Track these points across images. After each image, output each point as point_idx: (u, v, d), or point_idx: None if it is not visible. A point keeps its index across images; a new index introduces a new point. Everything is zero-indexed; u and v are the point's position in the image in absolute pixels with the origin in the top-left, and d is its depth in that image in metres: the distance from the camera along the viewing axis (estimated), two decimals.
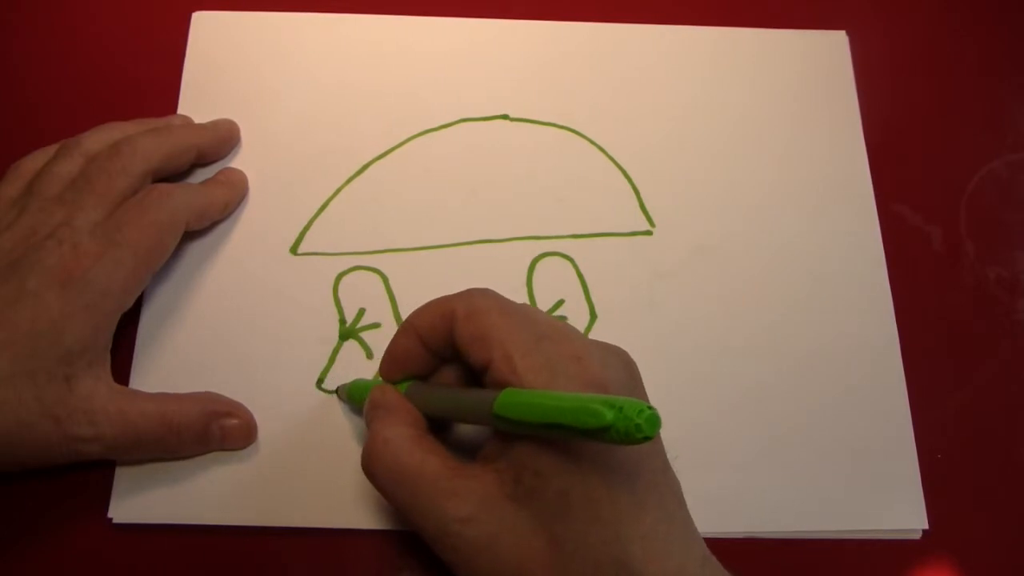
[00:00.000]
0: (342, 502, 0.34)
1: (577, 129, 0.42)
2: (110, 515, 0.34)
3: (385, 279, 0.39)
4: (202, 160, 0.40)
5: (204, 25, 0.44)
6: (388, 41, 0.44)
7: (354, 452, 0.35)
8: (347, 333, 0.38)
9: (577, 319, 0.38)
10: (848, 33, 0.45)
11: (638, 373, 0.30)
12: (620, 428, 0.23)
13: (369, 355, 0.37)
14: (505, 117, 0.42)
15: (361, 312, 0.38)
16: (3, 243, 0.33)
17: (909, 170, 0.42)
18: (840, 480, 0.36)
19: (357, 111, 0.42)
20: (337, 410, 0.36)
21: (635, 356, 0.36)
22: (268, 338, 0.37)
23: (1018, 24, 0.46)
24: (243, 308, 0.38)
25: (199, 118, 0.41)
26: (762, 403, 0.37)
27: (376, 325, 0.38)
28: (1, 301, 0.32)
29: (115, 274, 0.33)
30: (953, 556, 0.35)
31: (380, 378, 0.33)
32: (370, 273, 0.39)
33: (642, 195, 0.41)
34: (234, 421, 0.35)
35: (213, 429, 0.34)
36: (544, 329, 0.29)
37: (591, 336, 0.37)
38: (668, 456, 0.29)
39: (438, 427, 0.32)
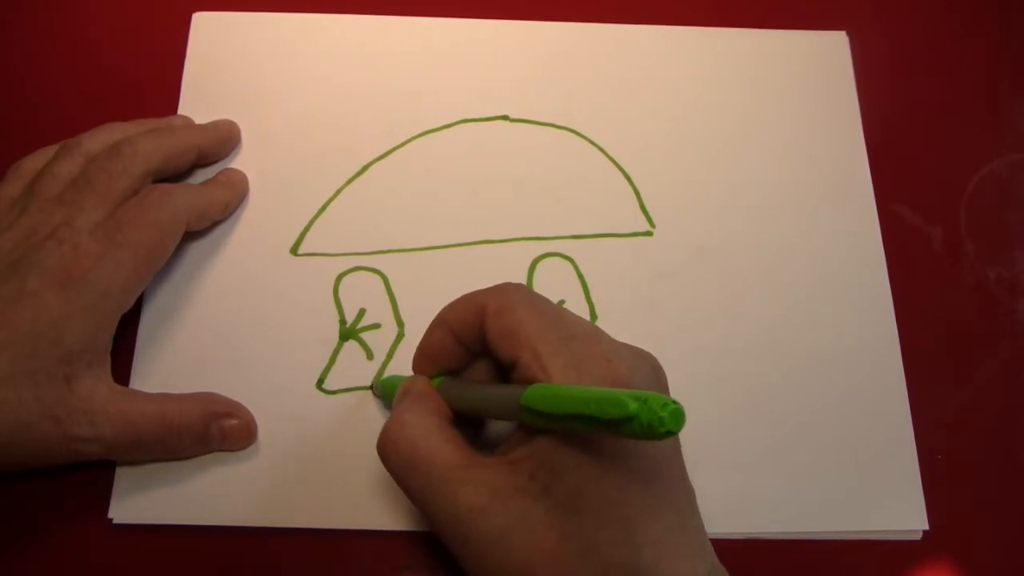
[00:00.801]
0: (342, 502, 0.34)
1: (577, 130, 0.42)
2: (110, 515, 0.34)
3: (385, 279, 0.39)
4: (202, 160, 0.40)
5: (204, 26, 0.44)
6: (388, 41, 0.44)
7: (354, 452, 0.35)
8: (347, 333, 0.38)
9: None
10: (848, 33, 0.45)
11: (665, 377, 0.30)
12: (643, 420, 0.23)
13: (369, 356, 0.37)
14: (505, 118, 0.42)
15: (361, 312, 0.38)
16: (3, 243, 0.33)
17: (909, 170, 0.42)
18: (840, 480, 0.36)
19: (357, 111, 0.42)
20: (337, 410, 0.36)
21: None
22: (268, 338, 0.37)
23: (1018, 24, 0.46)
24: (243, 308, 0.38)
25: (199, 118, 0.41)
26: (762, 403, 0.37)
27: (376, 326, 0.38)
28: (1, 301, 0.32)
29: (115, 274, 0.33)
30: (953, 556, 0.35)
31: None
32: (370, 274, 0.39)
33: (642, 195, 0.41)
34: (234, 421, 0.35)
35: (213, 429, 0.34)
36: (573, 329, 0.29)
37: None
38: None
39: (468, 425, 0.32)
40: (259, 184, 0.40)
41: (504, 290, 0.30)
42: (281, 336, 0.37)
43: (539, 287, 0.39)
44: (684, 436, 0.36)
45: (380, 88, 0.43)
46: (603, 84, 0.43)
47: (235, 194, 0.39)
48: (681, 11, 0.45)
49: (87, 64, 0.43)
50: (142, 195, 0.35)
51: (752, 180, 0.41)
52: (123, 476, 0.34)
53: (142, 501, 0.34)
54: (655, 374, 0.29)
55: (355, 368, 0.37)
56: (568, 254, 0.40)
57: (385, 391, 0.35)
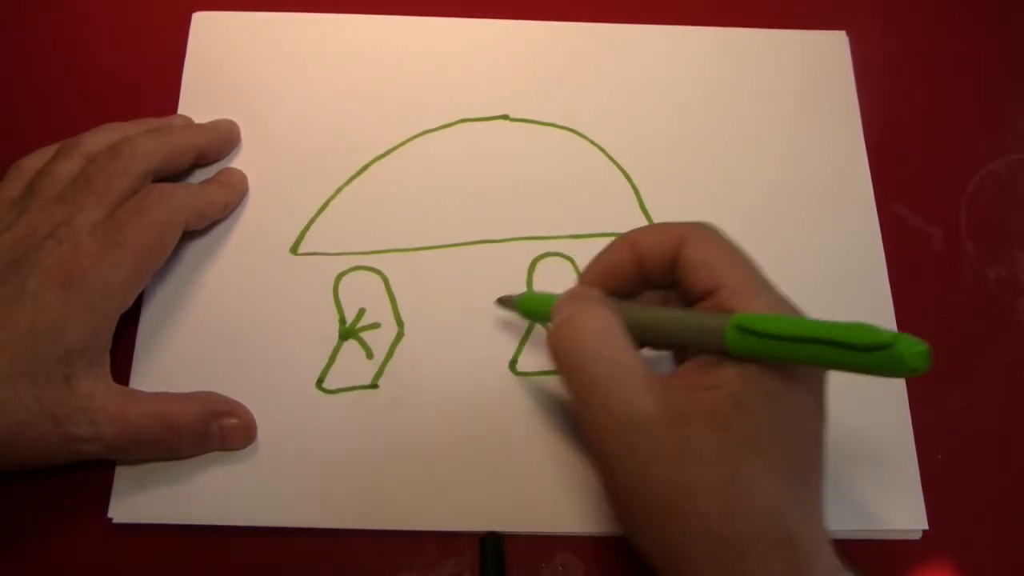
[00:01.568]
0: (342, 502, 0.34)
1: (577, 129, 0.42)
2: (110, 515, 0.34)
3: (385, 279, 0.39)
4: (202, 160, 0.40)
5: (204, 25, 0.44)
6: (388, 41, 0.44)
7: (354, 452, 0.35)
8: (347, 333, 0.38)
9: None
10: (848, 33, 0.45)
11: None
12: (898, 350, 0.23)
13: (369, 355, 0.37)
14: (505, 117, 0.42)
15: (361, 312, 0.38)
16: (3, 243, 0.33)
17: (909, 170, 0.42)
18: (840, 481, 0.36)
19: (357, 111, 0.42)
20: (337, 410, 0.36)
21: None
22: (268, 338, 0.37)
23: (1018, 24, 0.46)
24: (243, 308, 0.38)
25: (199, 118, 0.41)
26: None
27: (376, 325, 0.38)
28: (1, 301, 0.32)
29: (115, 274, 0.33)
30: (953, 556, 0.35)
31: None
32: (370, 273, 0.39)
33: (642, 195, 0.41)
34: (234, 421, 0.35)
35: (213, 429, 0.34)
36: (767, 279, 0.29)
37: None
38: None
39: None
40: (259, 184, 0.40)
41: (704, 225, 0.31)
42: (281, 336, 0.37)
43: (539, 287, 0.39)
44: None
45: (380, 88, 0.43)
46: (603, 84, 0.43)
47: (235, 194, 0.39)
48: (681, 11, 0.45)
49: (87, 64, 0.43)
50: (141, 195, 0.35)
51: (752, 180, 0.41)
52: (123, 476, 0.34)
53: (142, 501, 0.34)
54: None
55: (355, 367, 0.37)
56: (568, 254, 0.39)
57: (530, 306, 0.35)
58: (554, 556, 0.35)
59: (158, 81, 0.42)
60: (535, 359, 0.37)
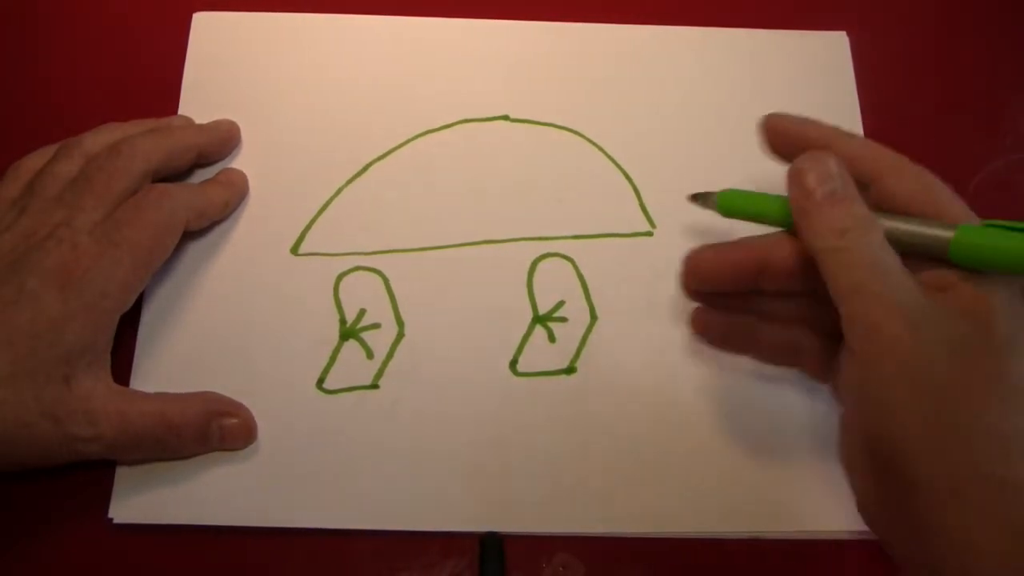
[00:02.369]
0: (342, 502, 0.34)
1: (577, 130, 0.42)
2: (110, 515, 0.34)
3: (386, 279, 0.39)
4: (203, 160, 0.40)
5: (205, 26, 0.44)
6: (388, 41, 0.44)
7: (354, 452, 0.35)
8: (347, 333, 0.38)
9: (577, 320, 0.38)
10: (848, 33, 0.45)
11: None
12: None
13: (369, 355, 0.37)
14: (506, 118, 0.42)
15: (362, 312, 0.38)
16: (3, 243, 0.33)
17: None
18: (841, 481, 0.36)
19: (357, 111, 0.42)
20: (337, 410, 0.36)
21: (636, 357, 0.36)
22: (268, 338, 0.37)
23: (1018, 24, 0.46)
24: (243, 308, 0.38)
25: (200, 119, 0.41)
26: (763, 403, 0.37)
27: (376, 325, 0.38)
28: (1, 301, 0.32)
29: (114, 274, 0.33)
30: None
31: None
32: (371, 273, 0.39)
33: (642, 195, 0.41)
34: (234, 421, 0.35)
35: (213, 429, 0.34)
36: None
37: (591, 337, 0.38)
38: None
39: None
40: (259, 184, 0.40)
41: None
42: (281, 336, 0.37)
43: (539, 287, 0.39)
44: (685, 436, 0.36)
45: (380, 88, 0.43)
46: (604, 85, 0.43)
47: (235, 194, 0.39)
48: (682, 12, 0.45)
49: (87, 64, 0.43)
50: (141, 195, 0.35)
51: (752, 180, 0.41)
52: (123, 476, 0.34)
53: (142, 501, 0.34)
54: None
55: (355, 368, 0.37)
56: (568, 254, 0.39)
57: (738, 203, 0.34)
58: (554, 556, 0.35)
59: (158, 81, 0.42)
60: (535, 359, 0.37)
